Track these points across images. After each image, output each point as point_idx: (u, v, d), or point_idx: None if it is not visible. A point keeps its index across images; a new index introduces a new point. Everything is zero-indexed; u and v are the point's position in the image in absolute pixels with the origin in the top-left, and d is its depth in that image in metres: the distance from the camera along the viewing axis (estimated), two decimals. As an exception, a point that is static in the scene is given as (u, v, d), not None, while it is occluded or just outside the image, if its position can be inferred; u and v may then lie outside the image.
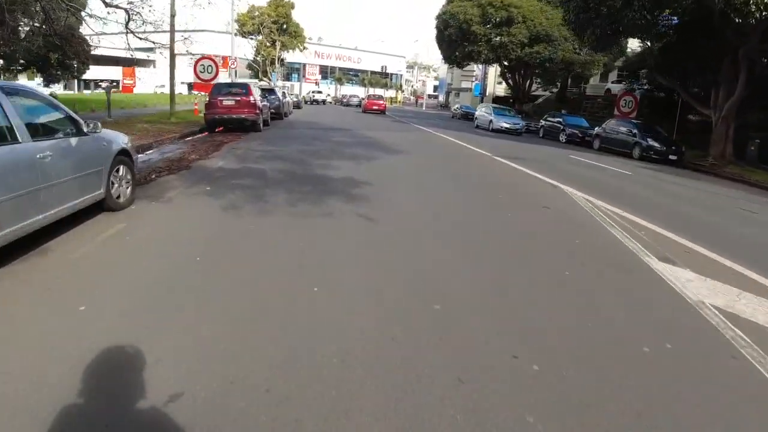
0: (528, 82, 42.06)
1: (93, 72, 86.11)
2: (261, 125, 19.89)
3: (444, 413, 2.73)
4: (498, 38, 35.98)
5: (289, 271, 4.72)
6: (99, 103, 26.34)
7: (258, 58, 53.11)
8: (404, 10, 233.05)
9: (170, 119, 21.23)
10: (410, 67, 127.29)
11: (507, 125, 29.53)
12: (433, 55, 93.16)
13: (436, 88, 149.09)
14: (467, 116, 43.06)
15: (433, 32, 42.11)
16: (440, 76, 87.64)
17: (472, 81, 76.79)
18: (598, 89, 43.28)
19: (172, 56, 22.09)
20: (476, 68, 69.72)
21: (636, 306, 4.60)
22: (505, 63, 39.65)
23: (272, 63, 52.69)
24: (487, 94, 66.80)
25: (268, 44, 52.02)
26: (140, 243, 5.32)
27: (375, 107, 43.69)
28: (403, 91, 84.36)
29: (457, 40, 38.76)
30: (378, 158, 14.13)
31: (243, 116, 18.17)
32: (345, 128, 24.98)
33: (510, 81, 42.56)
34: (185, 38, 20.52)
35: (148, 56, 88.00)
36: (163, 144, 13.78)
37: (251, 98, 18.60)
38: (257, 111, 19.16)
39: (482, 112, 33.91)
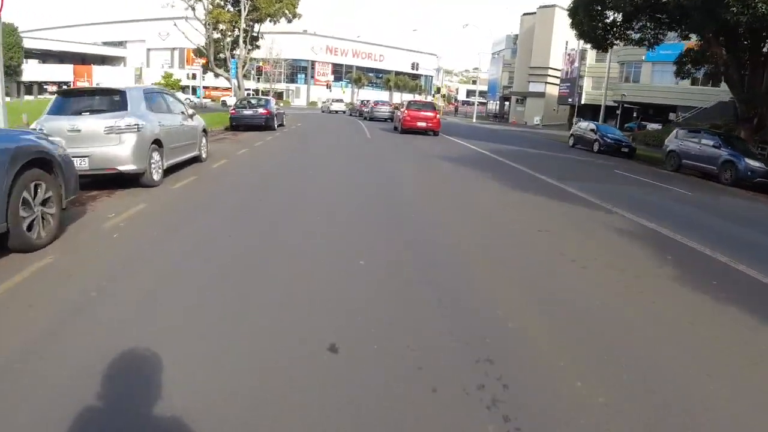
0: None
1: (35, 72, 65.38)
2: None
3: None
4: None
5: None
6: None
7: (204, 32, 28.14)
8: (405, 6, 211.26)
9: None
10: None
11: None
12: (455, 57, 70.65)
13: (469, 94, 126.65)
14: (619, 148, 20.38)
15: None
16: (491, 77, 64.96)
17: (545, 84, 53.77)
18: None
19: None
20: (568, 64, 46.71)
21: None
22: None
23: (233, 43, 28.58)
24: (582, 101, 43.72)
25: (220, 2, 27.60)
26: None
27: (422, 124, 21.30)
28: (443, 96, 61.95)
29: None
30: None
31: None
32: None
33: (730, 72, 18.86)
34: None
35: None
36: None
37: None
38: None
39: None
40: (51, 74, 60.35)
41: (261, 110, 18.73)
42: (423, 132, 21.87)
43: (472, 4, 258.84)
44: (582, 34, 21.15)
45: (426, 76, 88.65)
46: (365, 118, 33.76)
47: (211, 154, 11.17)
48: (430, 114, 21.94)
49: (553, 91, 54.68)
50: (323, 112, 48.64)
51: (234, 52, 26.91)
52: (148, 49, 68.10)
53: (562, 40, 55.19)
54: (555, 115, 56.79)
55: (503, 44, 66.30)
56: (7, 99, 44.16)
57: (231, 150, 13.04)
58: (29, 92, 58.86)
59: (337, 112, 47.13)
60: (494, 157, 14.75)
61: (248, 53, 28.59)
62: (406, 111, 21.86)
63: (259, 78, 69.28)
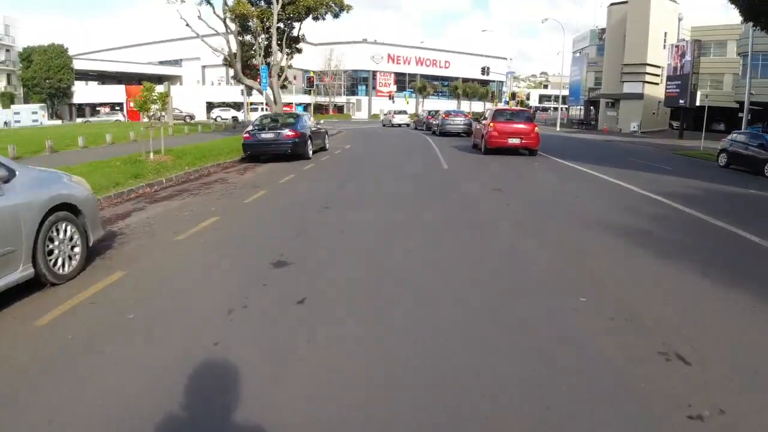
0: None
1: (86, 94, 65.11)
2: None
3: None
4: None
5: None
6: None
7: (225, 31, 21.42)
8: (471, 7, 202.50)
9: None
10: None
11: None
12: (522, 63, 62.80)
13: (542, 99, 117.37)
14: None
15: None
16: (573, 79, 57.32)
17: (642, 83, 45.73)
18: None
19: None
20: (676, 58, 38.97)
21: None
22: None
23: (267, 49, 22.99)
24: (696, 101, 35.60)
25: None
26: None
27: (514, 140, 15.59)
28: (518, 103, 55.06)
29: None
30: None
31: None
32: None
33: None
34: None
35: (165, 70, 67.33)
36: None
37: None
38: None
39: None
40: (103, 95, 59.75)
41: (286, 132, 13.50)
42: (514, 150, 16.00)
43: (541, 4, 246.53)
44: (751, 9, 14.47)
45: (496, 81, 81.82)
46: (434, 133, 28.14)
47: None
48: (524, 126, 16.00)
49: (652, 91, 46.57)
50: (384, 125, 43.53)
51: (269, 58, 22.04)
52: (203, 66, 66.43)
53: (661, 31, 47.19)
54: (654, 120, 48.48)
55: (586, 41, 58.55)
56: (58, 122, 42.02)
57: (230, 201, 7.92)
58: (81, 114, 58.36)
59: (399, 125, 41.86)
60: (685, 212, 8.24)
61: (287, 58, 23.79)
62: (491, 123, 16.07)
63: (310, 90, 65.70)
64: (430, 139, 23.52)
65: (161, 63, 71.62)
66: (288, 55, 23.70)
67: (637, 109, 46.19)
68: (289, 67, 26.38)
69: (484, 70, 59.26)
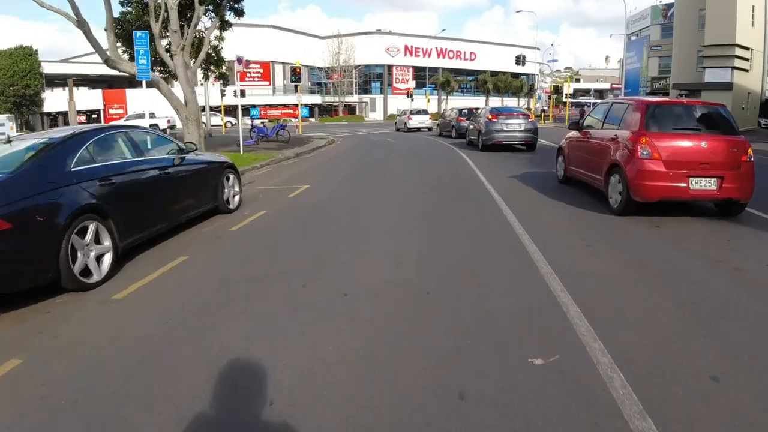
0: None
1: (58, 101, 54.39)
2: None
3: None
4: None
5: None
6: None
7: None
8: None
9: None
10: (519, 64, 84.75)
11: None
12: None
13: (576, 94, 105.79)
14: None
15: None
16: (629, 67, 46.65)
17: (730, 69, 35.30)
18: None
19: None
20: None
21: None
22: None
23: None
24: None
25: None
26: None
27: (710, 186, 5.76)
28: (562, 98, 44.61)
29: None
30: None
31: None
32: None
33: None
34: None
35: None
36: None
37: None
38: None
39: None
40: (77, 102, 51.41)
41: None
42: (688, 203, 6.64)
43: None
44: None
45: (528, 75, 71.51)
46: (470, 143, 18.64)
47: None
48: (725, 149, 6.53)
49: (742, 80, 36.36)
50: (398, 130, 34.10)
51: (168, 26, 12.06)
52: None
53: (748, 4, 36.93)
54: (743, 116, 38.07)
55: (645, 20, 48.14)
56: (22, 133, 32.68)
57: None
58: (54, 124, 50.26)
59: (418, 129, 32.44)
60: None
61: (217, 26, 14.09)
62: (644, 140, 6.57)
63: (296, 87, 56.42)
64: (467, 159, 14.06)
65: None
66: (220, 23, 13.99)
67: (725, 103, 35.92)
68: (220, 40, 16.89)
69: (519, 59, 49.21)
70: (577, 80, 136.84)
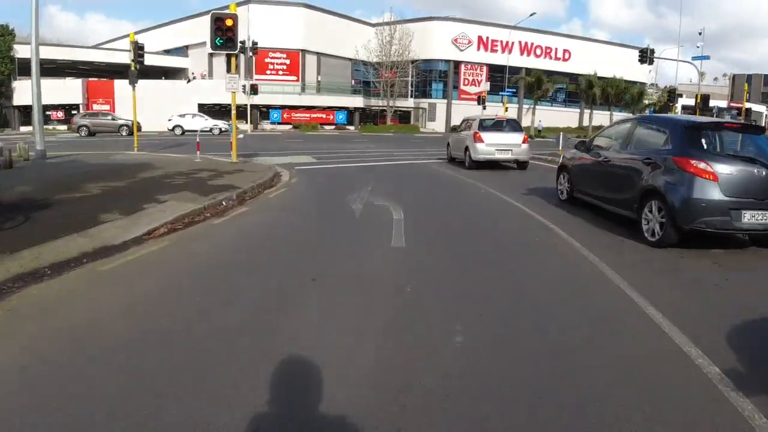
0: None
1: (26, 93, 43.06)
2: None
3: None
4: None
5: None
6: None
7: None
8: None
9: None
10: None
11: None
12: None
13: (703, 100, 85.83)
14: None
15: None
16: None
17: None
18: None
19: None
20: None
21: None
22: None
23: None
24: None
25: None
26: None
27: None
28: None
29: None
30: None
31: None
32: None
33: None
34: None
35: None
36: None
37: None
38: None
39: None
40: (54, 94, 39.32)
41: None
42: None
43: None
44: None
45: (638, 82, 53.69)
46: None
47: None
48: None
49: None
50: (453, 159, 18.26)
51: None
52: (210, 54, 45.50)
53: None
54: None
55: None
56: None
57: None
58: (27, 120, 39.14)
59: (501, 162, 16.67)
60: None
61: None
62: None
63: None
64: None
65: (166, 52, 52.09)
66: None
67: None
68: None
69: (645, 54, 32.49)
70: (680, 95, 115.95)
